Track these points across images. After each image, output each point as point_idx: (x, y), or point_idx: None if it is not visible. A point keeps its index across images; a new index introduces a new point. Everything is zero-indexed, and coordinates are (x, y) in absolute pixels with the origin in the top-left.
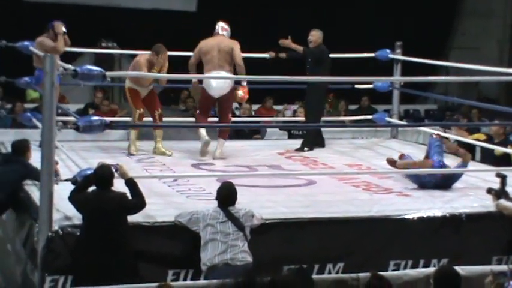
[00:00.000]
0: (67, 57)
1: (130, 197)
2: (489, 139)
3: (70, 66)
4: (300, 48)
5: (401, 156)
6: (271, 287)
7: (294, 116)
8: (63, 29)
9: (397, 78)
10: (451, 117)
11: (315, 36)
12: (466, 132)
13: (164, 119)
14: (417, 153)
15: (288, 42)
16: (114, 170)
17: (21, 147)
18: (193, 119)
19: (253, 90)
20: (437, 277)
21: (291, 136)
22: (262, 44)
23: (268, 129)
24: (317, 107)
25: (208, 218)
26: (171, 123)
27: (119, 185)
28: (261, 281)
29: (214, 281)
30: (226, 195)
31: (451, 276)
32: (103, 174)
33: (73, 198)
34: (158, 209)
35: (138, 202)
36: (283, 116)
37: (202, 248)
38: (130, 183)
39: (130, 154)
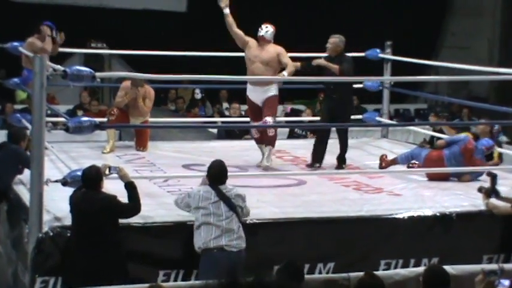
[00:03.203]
0: (56, 58)
1: (123, 200)
2: (476, 138)
3: (59, 67)
4: (335, 68)
5: (386, 158)
6: (256, 286)
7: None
8: (49, 33)
9: (387, 77)
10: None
11: (331, 43)
12: (453, 130)
13: (154, 119)
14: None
15: (323, 63)
16: (115, 173)
17: (17, 135)
18: (182, 119)
19: (242, 90)
20: (427, 276)
21: (294, 136)
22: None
23: None
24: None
25: (200, 199)
26: (161, 124)
27: (110, 186)
28: (245, 281)
29: (198, 282)
30: (217, 173)
31: (440, 275)
32: (89, 176)
33: (70, 198)
34: (149, 210)
35: (130, 206)
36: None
37: (196, 230)
38: (130, 186)
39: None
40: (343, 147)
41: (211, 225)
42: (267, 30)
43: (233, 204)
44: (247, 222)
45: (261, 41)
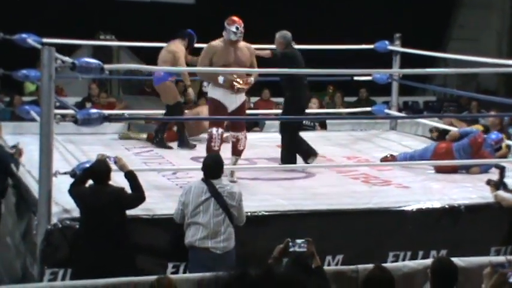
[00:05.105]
0: (65, 50)
1: (129, 191)
2: (486, 130)
3: (68, 59)
4: (266, 52)
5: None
6: (266, 278)
7: None
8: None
9: (396, 70)
10: (449, 108)
11: (276, 40)
12: (464, 123)
13: (163, 111)
14: (416, 145)
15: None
16: (113, 163)
17: None
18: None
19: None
20: (435, 268)
21: (302, 128)
22: (261, 37)
23: (267, 122)
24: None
25: (191, 195)
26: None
27: (118, 179)
28: (255, 273)
29: (208, 274)
30: (210, 166)
31: (448, 267)
32: (99, 170)
33: (72, 192)
34: (157, 202)
35: (136, 196)
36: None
37: (186, 226)
38: (130, 176)
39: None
40: (285, 148)
41: (199, 225)
42: (240, 32)
43: (224, 202)
44: (257, 214)
45: (235, 43)
